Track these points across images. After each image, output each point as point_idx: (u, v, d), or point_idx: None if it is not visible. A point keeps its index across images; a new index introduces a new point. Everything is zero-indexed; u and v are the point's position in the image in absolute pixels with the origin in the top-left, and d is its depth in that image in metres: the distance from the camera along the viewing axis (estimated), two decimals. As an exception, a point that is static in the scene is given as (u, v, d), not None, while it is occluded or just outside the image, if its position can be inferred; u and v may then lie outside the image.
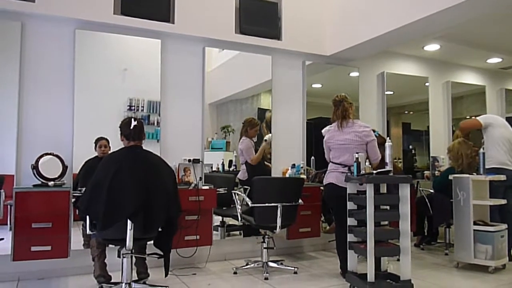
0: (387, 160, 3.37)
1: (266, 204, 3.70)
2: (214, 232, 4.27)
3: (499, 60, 6.10)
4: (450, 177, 4.23)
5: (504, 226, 4.07)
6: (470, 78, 6.46)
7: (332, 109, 3.85)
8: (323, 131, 3.94)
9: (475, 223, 3.99)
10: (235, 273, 3.85)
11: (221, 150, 5.01)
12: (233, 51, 4.80)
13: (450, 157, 4.72)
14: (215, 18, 4.44)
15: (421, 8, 3.83)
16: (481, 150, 4.24)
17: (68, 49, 3.88)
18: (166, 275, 3.22)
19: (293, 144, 4.99)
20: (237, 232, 4.83)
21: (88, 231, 2.99)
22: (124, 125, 3.17)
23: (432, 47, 5.51)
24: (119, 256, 3.10)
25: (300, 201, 3.90)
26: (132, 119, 3.16)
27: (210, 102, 4.62)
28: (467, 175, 4.10)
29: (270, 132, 4.93)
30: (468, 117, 6.50)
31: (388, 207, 3.34)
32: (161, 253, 3.21)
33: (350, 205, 3.40)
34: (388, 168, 3.31)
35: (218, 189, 4.14)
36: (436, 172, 5.52)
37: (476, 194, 4.01)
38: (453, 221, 4.16)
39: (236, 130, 5.06)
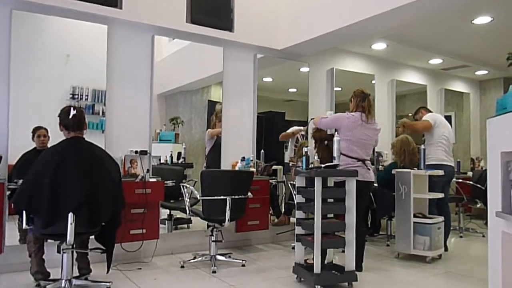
0: (335, 154, 3.43)
1: (215, 197, 3.66)
2: (161, 225, 4.18)
3: (440, 61, 6.41)
4: (393, 171, 4.39)
5: (441, 218, 4.30)
6: (413, 78, 6.75)
7: (352, 100, 3.79)
8: (340, 114, 3.79)
9: (414, 216, 4.17)
10: (182, 267, 3.78)
11: (170, 142, 4.91)
12: (183, 42, 4.69)
13: (394, 152, 4.90)
14: (166, 5, 4.30)
15: (369, 7, 3.93)
16: (422, 147, 4.44)
17: (3, 31, 3.61)
18: (108, 271, 3.11)
19: (243, 137, 4.97)
20: (185, 226, 4.76)
21: (24, 226, 2.81)
22: (63, 114, 3.00)
23: (379, 46, 5.69)
24: (58, 252, 2.94)
25: (249, 194, 3.90)
26: (72, 108, 3.01)
27: (158, 93, 4.49)
28: (409, 170, 4.27)
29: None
30: (410, 114, 6.81)
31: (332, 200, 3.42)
32: (104, 248, 3.09)
33: (299, 198, 3.44)
34: (335, 162, 3.38)
35: (166, 182, 4.04)
36: (380, 167, 5.73)
37: (416, 188, 4.19)
38: (395, 213, 4.32)
39: (186, 122, 4.97)
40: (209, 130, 4.92)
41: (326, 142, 4.06)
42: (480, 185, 5.54)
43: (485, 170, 5.72)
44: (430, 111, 4.94)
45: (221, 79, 4.89)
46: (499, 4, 4.35)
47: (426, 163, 4.42)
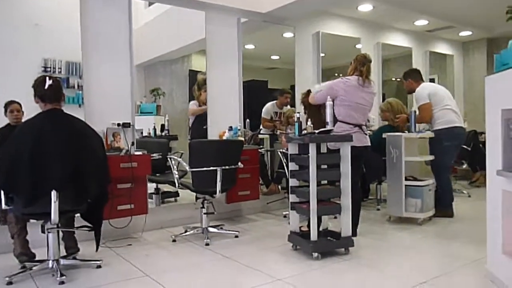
0: (328, 119, 3.32)
1: (205, 168, 3.53)
2: (149, 200, 4.05)
3: (426, 22, 6.29)
4: (384, 135, 4.33)
5: (432, 180, 4.29)
6: (399, 40, 6.64)
7: (352, 63, 3.66)
8: (334, 81, 3.61)
9: (406, 179, 4.15)
10: (174, 241, 3.69)
11: (151, 115, 4.75)
12: (162, 7, 4.44)
13: (386, 115, 4.82)
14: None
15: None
16: (412, 109, 4.38)
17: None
18: (97, 249, 2.99)
19: (229, 106, 4.82)
20: (172, 199, 4.66)
21: (3, 206, 2.64)
22: (38, 85, 2.80)
23: (366, 7, 5.52)
24: (43, 232, 2.81)
25: (239, 164, 3.79)
26: (47, 78, 2.80)
27: (136, 63, 4.24)
28: (400, 133, 4.22)
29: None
30: (393, 79, 6.75)
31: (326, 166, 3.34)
32: (92, 225, 2.97)
33: (292, 166, 3.35)
34: (329, 127, 3.28)
35: (152, 155, 3.88)
36: (368, 132, 5.66)
37: (407, 151, 4.15)
38: (386, 177, 4.29)
39: (167, 93, 4.79)
40: (191, 106, 4.73)
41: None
42: (465, 146, 5.55)
43: (471, 131, 5.75)
44: (418, 80, 4.58)
45: (202, 47, 4.68)
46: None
47: (436, 127, 4.31)
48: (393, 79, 6.85)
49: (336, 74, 6.22)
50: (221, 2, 4.53)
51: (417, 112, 4.36)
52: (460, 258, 3.04)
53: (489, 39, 7.42)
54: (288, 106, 5.40)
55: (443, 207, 4.35)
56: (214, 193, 3.64)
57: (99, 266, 2.98)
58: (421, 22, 6.32)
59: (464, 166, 5.79)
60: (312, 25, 5.53)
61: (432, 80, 6.99)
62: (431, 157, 4.31)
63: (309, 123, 3.26)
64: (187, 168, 3.57)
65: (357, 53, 5.92)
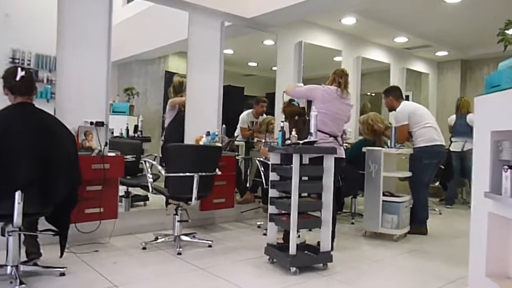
0: (312, 130, 3.25)
1: (182, 174, 3.38)
2: (118, 203, 3.85)
3: (406, 39, 6.39)
4: (364, 149, 4.31)
5: (409, 197, 4.30)
6: (378, 55, 6.71)
7: (330, 76, 3.66)
8: (316, 85, 3.56)
9: (383, 194, 4.13)
10: (144, 248, 3.50)
11: (124, 114, 4.56)
12: (140, 5, 4.28)
13: (364, 129, 4.81)
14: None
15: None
16: (393, 125, 4.38)
17: None
18: (61, 255, 2.78)
19: (208, 110, 4.68)
20: (142, 203, 4.47)
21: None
22: (9, 75, 2.59)
23: (349, 20, 5.53)
24: (3, 235, 2.58)
25: (217, 171, 3.66)
26: (19, 69, 2.59)
27: (111, 61, 4.06)
28: (380, 148, 4.21)
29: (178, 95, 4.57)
30: (369, 93, 6.80)
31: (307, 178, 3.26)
32: (57, 229, 2.76)
33: (273, 176, 3.25)
34: (313, 138, 3.20)
35: (126, 157, 3.69)
36: (345, 145, 5.66)
37: (386, 167, 4.13)
38: (364, 192, 4.26)
39: (141, 93, 4.62)
40: (171, 100, 4.58)
41: (296, 117, 3.88)
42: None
43: (446, 149, 5.83)
44: (398, 98, 4.57)
45: (180, 48, 4.55)
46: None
47: (417, 145, 4.33)
48: (369, 93, 6.91)
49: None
50: (207, 4, 4.42)
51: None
52: (440, 278, 3.02)
53: (463, 60, 7.63)
54: (264, 115, 5.32)
55: (418, 224, 4.36)
56: (189, 200, 3.50)
57: (62, 274, 2.77)
58: (401, 39, 6.41)
59: (437, 184, 5.86)
60: (295, 34, 5.49)
61: (407, 97, 7.09)
62: (409, 174, 4.32)
63: (293, 133, 3.17)
64: (163, 172, 3.41)
65: (336, 65, 6.01)
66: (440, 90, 7.93)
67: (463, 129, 5.98)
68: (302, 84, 3.97)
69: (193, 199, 3.46)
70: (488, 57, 7.24)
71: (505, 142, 2.23)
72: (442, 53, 7.29)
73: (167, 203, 4.26)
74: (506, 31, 2.51)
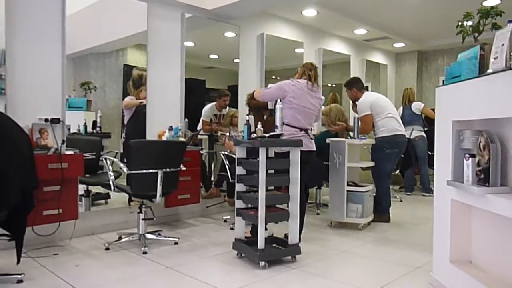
0: (277, 123, 3.23)
1: (145, 171, 3.27)
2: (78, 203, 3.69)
3: (365, 31, 6.49)
4: (328, 140, 4.34)
5: (372, 186, 4.38)
6: (339, 47, 6.78)
7: (300, 69, 3.63)
8: (285, 81, 3.49)
9: (347, 184, 4.19)
10: (107, 249, 3.37)
11: (81, 110, 4.36)
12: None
13: (327, 120, 4.85)
14: None
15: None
16: (356, 116, 4.44)
17: None
18: (18, 262, 2.61)
19: (170, 104, 4.57)
20: (103, 201, 4.32)
21: None
22: None
23: (310, 12, 5.54)
24: (-48, 241, 2.40)
25: (182, 166, 3.57)
26: None
27: (66, 54, 3.87)
28: (343, 139, 4.25)
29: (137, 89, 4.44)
30: (329, 84, 6.88)
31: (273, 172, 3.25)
32: (12, 234, 2.60)
33: (239, 170, 3.21)
34: (278, 131, 3.18)
35: (85, 154, 3.53)
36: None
37: (349, 157, 4.19)
38: (329, 183, 4.30)
39: (99, 87, 4.44)
40: (124, 102, 4.43)
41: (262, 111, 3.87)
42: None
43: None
44: (361, 89, 4.65)
45: (139, 41, 4.42)
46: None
47: (379, 135, 4.42)
48: (329, 84, 6.99)
49: (273, 77, 6.22)
50: (166, -6, 4.28)
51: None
52: (404, 265, 3.09)
53: (420, 51, 7.87)
54: (227, 108, 5.26)
55: (381, 212, 4.46)
56: (153, 197, 3.40)
57: (20, 281, 2.62)
58: (361, 31, 6.51)
59: (397, 172, 6.02)
60: (257, 26, 5.44)
61: (366, 88, 7.24)
62: (372, 164, 4.40)
63: (259, 126, 3.13)
64: (125, 170, 3.29)
65: (298, 57, 6.03)
66: (398, 81, 8.15)
67: (409, 118, 6.20)
68: (271, 85, 3.91)
69: (158, 196, 3.36)
70: (442, 48, 7.51)
71: (466, 131, 2.30)
72: (399, 45, 7.47)
73: (129, 201, 4.14)
74: (465, 23, 2.57)
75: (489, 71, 2.08)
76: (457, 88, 2.40)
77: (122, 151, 4.37)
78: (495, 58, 2.04)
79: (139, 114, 4.44)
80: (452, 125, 2.41)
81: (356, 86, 4.65)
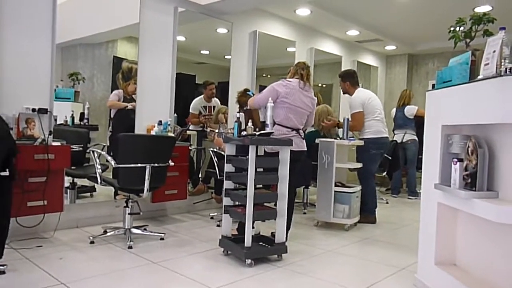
0: (268, 121, 3.22)
1: (134, 165, 3.24)
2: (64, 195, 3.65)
3: (357, 33, 6.51)
4: (317, 141, 4.36)
5: (359, 187, 4.41)
6: (331, 48, 6.80)
7: (292, 68, 3.63)
8: (276, 83, 3.48)
9: (335, 185, 4.21)
10: (92, 242, 3.34)
11: (69, 101, 4.31)
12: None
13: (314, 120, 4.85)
14: None
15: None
16: (346, 117, 4.46)
17: None
18: (1, 255, 2.57)
19: (160, 98, 4.53)
20: (88, 194, 4.27)
21: None
22: None
23: (304, 11, 5.54)
24: None
25: (170, 161, 3.55)
26: None
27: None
28: (332, 140, 4.27)
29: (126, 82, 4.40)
30: (320, 84, 6.91)
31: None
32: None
33: (228, 168, 3.20)
34: (268, 130, 3.18)
35: (72, 146, 3.48)
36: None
37: (338, 158, 4.20)
38: (317, 182, 4.31)
39: (88, 78, 4.39)
40: (108, 103, 4.40)
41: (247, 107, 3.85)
42: (387, 155, 5.83)
43: (393, 141, 6.05)
44: (354, 84, 4.66)
45: (130, 33, 4.38)
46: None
47: (365, 136, 4.45)
48: (320, 84, 7.01)
49: (264, 75, 6.22)
50: (160, -14, 4.23)
51: (350, 119, 4.46)
52: (390, 266, 3.12)
53: (410, 54, 7.93)
54: (217, 100, 5.25)
55: (367, 213, 4.50)
56: (141, 191, 3.37)
57: (2, 272, 2.57)
58: (353, 32, 6.53)
59: (384, 174, 6.07)
60: (250, 23, 5.42)
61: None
62: (360, 165, 4.43)
63: (249, 124, 3.13)
64: (113, 163, 3.25)
65: (290, 56, 6.04)
66: (388, 83, 8.20)
67: (401, 122, 6.26)
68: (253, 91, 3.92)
69: (145, 191, 3.34)
70: (433, 52, 7.58)
71: (455, 136, 2.32)
72: (390, 47, 7.52)
73: (115, 195, 4.10)
74: (457, 29, 2.60)
75: (479, 77, 2.11)
76: (448, 93, 2.42)
77: (109, 144, 4.33)
78: (486, 65, 2.07)
79: (127, 109, 4.41)
80: (441, 129, 2.43)
81: (350, 80, 4.66)
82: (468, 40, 2.58)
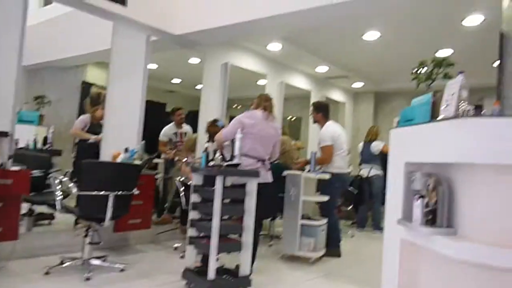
0: (236, 152, 3.23)
1: (96, 193, 3.15)
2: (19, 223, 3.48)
3: (327, 68, 6.72)
4: (285, 173, 4.38)
5: (325, 220, 4.43)
6: (301, 82, 6.97)
7: (256, 100, 3.68)
8: (240, 115, 3.53)
9: (302, 218, 4.21)
10: (47, 273, 3.17)
11: (33, 124, 4.22)
12: (59, 9, 4.05)
13: (285, 154, 4.91)
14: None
15: (270, 7, 3.89)
16: (313, 151, 4.53)
17: None
18: None
19: (128, 125, 4.47)
20: (46, 222, 4.11)
21: None
22: None
23: (275, 46, 5.69)
24: None
25: (135, 190, 3.47)
26: None
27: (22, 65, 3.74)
28: (300, 173, 4.30)
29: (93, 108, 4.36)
30: (289, 117, 7.05)
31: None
32: None
33: (195, 198, 3.16)
34: (236, 161, 3.18)
35: (32, 171, 3.36)
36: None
37: (305, 191, 4.23)
38: (283, 215, 4.31)
39: (54, 102, 4.32)
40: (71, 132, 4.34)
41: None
42: (353, 189, 5.94)
43: (358, 175, 6.17)
44: (326, 117, 4.75)
45: (100, 58, 4.39)
46: (388, 22, 4.68)
47: (329, 170, 4.52)
48: (289, 117, 7.14)
49: (235, 106, 6.28)
50: (134, 16, 4.23)
51: (319, 152, 4.55)
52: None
53: (377, 92, 8.22)
54: (188, 127, 5.24)
55: (332, 246, 4.50)
56: (102, 220, 3.27)
57: None
58: (322, 69, 6.74)
59: (349, 208, 6.14)
60: (222, 55, 5.50)
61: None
62: (327, 198, 4.46)
63: (217, 154, 3.12)
64: (74, 190, 3.15)
65: (260, 88, 6.14)
66: (355, 119, 8.43)
67: (368, 157, 6.41)
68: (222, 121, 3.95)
69: (107, 219, 3.23)
70: (398, 91, 7.88)
71: (417, 173, 2.38)
72: (358, 84, 7.79)
73: (76, 223, 3.95)
74: (419, 71, 2.73)
75: (440, 117, 2.20)
76: (410, 131, 2.51)
77: (72, 169, 4.21)
78: (445, 106, 2.16)
79: (94, 133, 4.33)
80: (404, 166, 2.49)
81: (323, 112, 4.78)
82: (429, 82, 2.71)
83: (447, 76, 2.59)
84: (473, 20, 4.27)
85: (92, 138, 4.31)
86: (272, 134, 3.60)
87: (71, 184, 3.20)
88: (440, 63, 2.65)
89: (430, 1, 3.85)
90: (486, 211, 1.97)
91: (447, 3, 3.94)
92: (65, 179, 3.34)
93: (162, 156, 5.05)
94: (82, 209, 3.20)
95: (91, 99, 4.47)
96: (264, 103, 3.62)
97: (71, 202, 3.49)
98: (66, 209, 3.27)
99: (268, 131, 3.56)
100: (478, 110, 2.08)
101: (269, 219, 5.18)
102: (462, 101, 2.07)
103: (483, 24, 4.28)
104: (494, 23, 3.11)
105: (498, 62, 3.00)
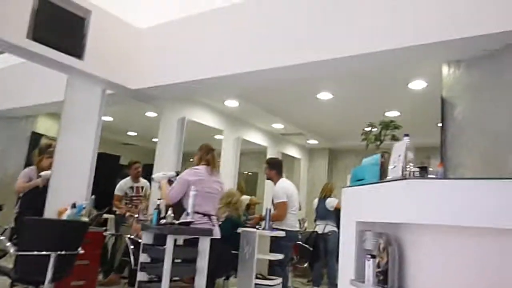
0: (189, 210, 3.16)
1: (36, 253, 2.93)
2: None
3: (282, 126, 6.90)
4: (239, 230, 4.30)
5: (280, 279, 4.33)
6: (257, 138, 7.08)
7: (197, 154, 3.68)
8: (185, 172, 3.53)
9: (256, 277, 4.10)
10: None
11: (-29, 175, 3.99)
12: (13, 59, 3.96)
13: (230, 205, 4.81)
14: (3, 13, 3.55)
15: (226, 66, 4.01)
16: (268, 207, 4.50)
17: None
18: None
19: (77, 178, 4.29)
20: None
21: None
22: None
23: (232, 103, 5.80)
24: None
25: (80, 249, 3.27)
26: None
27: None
28: (255, 230, 4.24)
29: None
30: (245, 172, 7.07)
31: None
32: None
33: (144, 258, 3.01)
34: (189, 218, 3.10)
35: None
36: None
37: (259, 248, 4.15)
38: (237, 274, 4.18)
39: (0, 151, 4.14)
40: (22, 177, 4.14)
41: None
42: (308, 245, 5.89)
43: (313, 231, 6.17)
44: (279, 174, 4.80)
45: (52, 110, 4.30)
46: (340, 84, 4.92)
47: (282, 227, 4.47)
48: (246, 172, 7.16)
49: (191, 160, 6.22)
50: (89, 70, 4.19)
51: (273, 208, 4.53)
52: None
53: (331, 149, 8.47)
54: (145, 181, 5.10)
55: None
56: (41, 283, 3.02)
57: None
58: (278, 126, 6.91)
59: (305, 265, 6.06)
60: (179, 110, 5.52)
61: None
62: (281, 256, 4.39)
63: (169, 212, 3.03)
64: (12, 250, 2.92)
65: (217, 143, 6.15)
66: (310, 175, 8.58)
67: (323, 213, 6.45)
68: (160, 174, 3.83)
69: (46, 282, 2.99)
70: (351, 149, 8.16)
71: (367, 233, 2.41)
72: (313, 141, 8.01)
73: (11, 286, 3.63)
74: (368, 132, 2.85)
75: (388, 178, 2.27)
76: (360, 191, 2.56)
77: (14, 225, 3.95)
78: (393, 167, 2.24)
79: (39, 187, 4.11)
80: (356, 225, 2.52)
81: (277, 169, 4.81)
82: (378, 143, 2.82)
83: (394, 138, 2.71)
84: (417, 84, 4.57)
85: (42, 175, 4.06)
86: (216, 188, 3.63)
87: (8, 243, 2.97)
88: (388, 125, 2.78)
89: (379, 66, 4.10)
90: (434, 272, 2.00)
91: (394, 68, 4.20)
92: (3, 237, 3.10)
93: (117, 211, 4.85)
94: (20, 271, 2.94)
95: (40, 149, 4.30)
96: (206, 156, 3.63)
97: (8, 262, 3.24)
98: (0, 271, 3.00)
99: (212, 185, 3.57)
100: (423, 171, 2.16)
101: (223, 278, 4.99)
102: (409, 163, 2.16)
103: (426, 88, 4.59)
104: (436, 90, 3.33)
105: (440, 124, 3.20)
